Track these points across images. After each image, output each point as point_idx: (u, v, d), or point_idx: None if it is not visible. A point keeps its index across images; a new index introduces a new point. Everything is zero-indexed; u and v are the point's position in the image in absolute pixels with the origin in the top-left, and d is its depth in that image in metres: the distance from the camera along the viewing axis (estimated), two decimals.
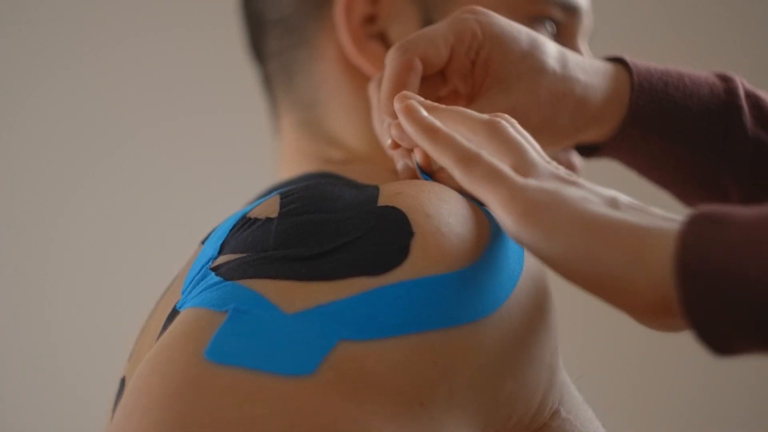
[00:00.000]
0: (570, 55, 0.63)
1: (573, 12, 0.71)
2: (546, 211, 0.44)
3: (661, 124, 0.65)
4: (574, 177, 0.47)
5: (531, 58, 0.60)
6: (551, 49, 0.61)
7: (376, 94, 0.62)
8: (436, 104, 0.53)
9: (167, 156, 1.68)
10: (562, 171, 0.48)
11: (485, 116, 0.50)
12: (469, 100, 0.62)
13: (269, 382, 0.39)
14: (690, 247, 0.40)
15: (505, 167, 0.47)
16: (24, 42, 1.66)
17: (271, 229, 0.48)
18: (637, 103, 0.64)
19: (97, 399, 1.24)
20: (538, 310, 0.49)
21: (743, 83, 0.67)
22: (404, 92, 0.54)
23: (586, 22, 0.73)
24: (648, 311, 0.43)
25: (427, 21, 0.70)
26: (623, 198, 0.45)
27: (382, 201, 0.49)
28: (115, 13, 1.67)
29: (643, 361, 1.70)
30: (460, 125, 0.51)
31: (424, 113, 0.52)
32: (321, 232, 0.46)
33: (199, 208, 1.55)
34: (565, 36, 0.71)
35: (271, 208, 0.50)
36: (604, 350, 1.62)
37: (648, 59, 0.68)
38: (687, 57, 1.00)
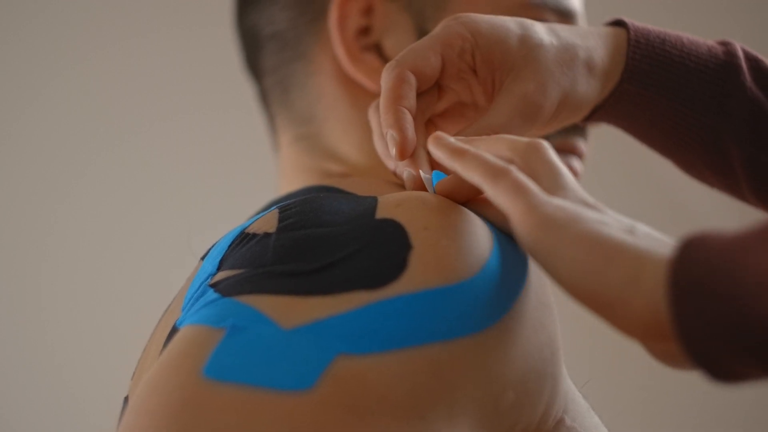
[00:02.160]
0: (557, 26, 0.63)
1: (567, 16, 0.71)
2: (559, 227, 0.44)
3: (658, 80, 0.64)
4: (600, 205, 0.47)
5: (528, 39, 0.60)
6: (539, 26, 0.61)
7: (376, 118, 0.62)
8: (474, 138, 0.54)
9: (167, 156, 1.67)
10: (590, 199, 0.48)
11: (526, 139, 0.51)
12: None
13: (268, 397, 0.39)
14: (680, 268, 0.41)
15: (532, 183, 0.47)
16: (22, 40, 1.65)
17: (269, 244, 0.48)
18: (633, 57, 0.64)
19: (95, 400, 1.24)
20: (539, 322, 0.49)
21: (743, 47, 0.67)
22: (438, 133, 0.54)
23: (581, 25, 0.73)
24: (643, 333, 0.43)
25: (422, 30, 0.69)
26: (643, 227, 0.45)
27: (381, 213, 0.48)
28: (113, 11, 1.67)
29: (650, 367, 1.69)
30: (501, 148, 0.51)
31: (452, 139, 0.52)
32: (318, 247, 0.46)
33: (199, 210, 1.55)
34: None
35: (269, 223, 0.50)
36: (610, 356, 1.61)
37: None
38: None
